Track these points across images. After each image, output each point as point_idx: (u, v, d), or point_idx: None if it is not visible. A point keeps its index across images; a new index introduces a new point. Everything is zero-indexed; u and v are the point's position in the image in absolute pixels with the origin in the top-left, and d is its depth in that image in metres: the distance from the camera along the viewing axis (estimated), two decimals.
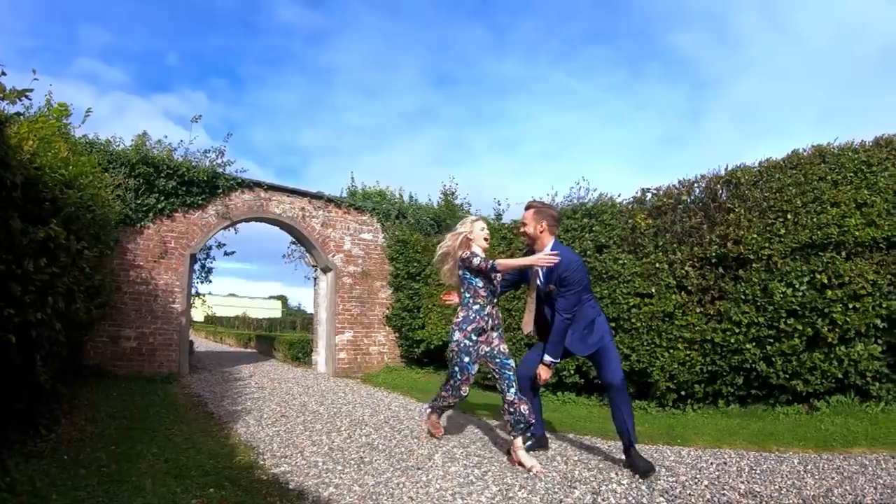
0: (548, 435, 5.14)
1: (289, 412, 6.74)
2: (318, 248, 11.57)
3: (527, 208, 4.76)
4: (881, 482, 3.78)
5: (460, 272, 4.85)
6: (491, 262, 4.58)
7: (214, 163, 10.29)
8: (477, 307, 4.75)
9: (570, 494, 3.68)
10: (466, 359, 4.73)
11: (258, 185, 10.81)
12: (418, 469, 4.27)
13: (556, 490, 3.76)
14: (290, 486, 3.79)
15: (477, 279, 4.76)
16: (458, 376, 4.83)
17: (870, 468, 4.12)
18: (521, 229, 4.78)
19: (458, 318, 4.83)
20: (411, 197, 13.55)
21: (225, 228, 10.54)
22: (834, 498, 3.51)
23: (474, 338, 4.73)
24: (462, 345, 4.72)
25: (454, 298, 5.16)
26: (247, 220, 10.90)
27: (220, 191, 10.20)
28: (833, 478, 3.92)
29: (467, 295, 4.81)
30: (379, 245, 12.45)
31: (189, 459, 4.30)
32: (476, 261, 4.65)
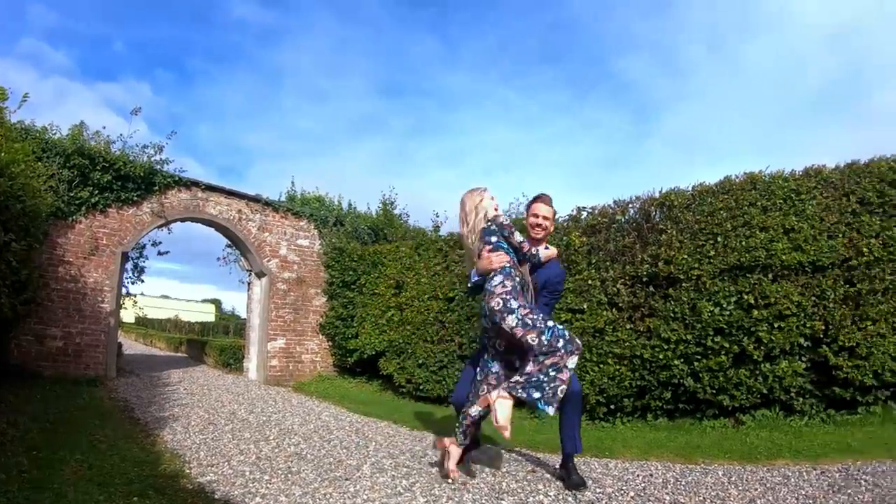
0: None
1: (217, 420, 6.61)
2: (253, 252, 11.36)
3: (544, 201, 4.51)
4: (803, 493, 3.92)
5: (493, 240, 4.09)
6: (534, 248, 4.26)
7: (152, 159, 10.00)
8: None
9: None
10: (515, 304, 3.80)
11: (196, 184, 10.56)
12: (346, 480, 4.24)
13: (484, 501, 3.78)
14: (216, 496, 3.72)
15: (511, 251, 4.10)
16: (533, 322, 3.75)
17: (792, 479, 4.27)
18: (543, 222, 4.43)
19: (493, 280, 3.95)
20: (350, 204, 13.42)
21: (159, 227, 10.26)
22: None
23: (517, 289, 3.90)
24: (508, 287, 3.86)
25: (503, 257, 4.03)
26: (182, 220, 10.64)
27: (157, 188, 9.91)
28: (756, 489, 4.05)
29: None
30: (315, 252, 12.32)
31: (113, 467, 4.17)
32: (518, 237, 4.15)
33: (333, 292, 11.85)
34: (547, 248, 4.48)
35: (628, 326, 6.60)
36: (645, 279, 6.63)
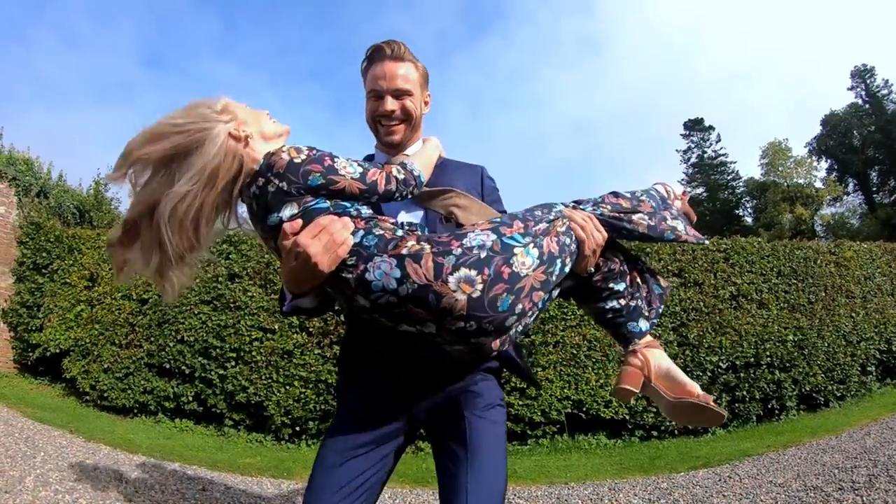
0: (153, 463, 5.16)
1: None
2: None
3: (392, 54, 2.11)
4: None
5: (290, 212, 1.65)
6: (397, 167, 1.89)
7: None
8: None
9: None
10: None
11: None
12: (6, 493, 4.06)
13: None
14: None
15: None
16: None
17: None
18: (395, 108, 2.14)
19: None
20: (61, 176, 11.81)
21: None
22: None
23: None
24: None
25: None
26: None
27: None
28: None
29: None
30: (10, 223, 10.68)
31: None
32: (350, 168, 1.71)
33: (23, 274, 10.38)
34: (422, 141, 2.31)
35: (316, 351, 6.86)
36: (336, 309, 6.74)
